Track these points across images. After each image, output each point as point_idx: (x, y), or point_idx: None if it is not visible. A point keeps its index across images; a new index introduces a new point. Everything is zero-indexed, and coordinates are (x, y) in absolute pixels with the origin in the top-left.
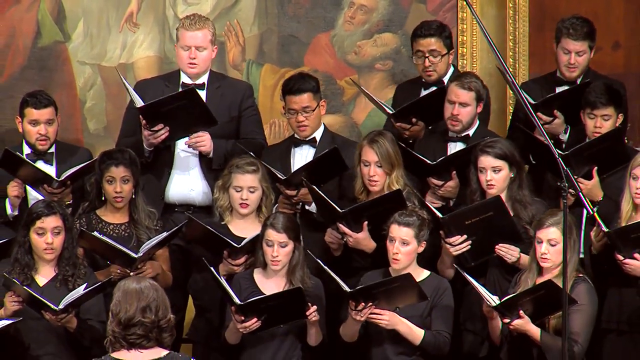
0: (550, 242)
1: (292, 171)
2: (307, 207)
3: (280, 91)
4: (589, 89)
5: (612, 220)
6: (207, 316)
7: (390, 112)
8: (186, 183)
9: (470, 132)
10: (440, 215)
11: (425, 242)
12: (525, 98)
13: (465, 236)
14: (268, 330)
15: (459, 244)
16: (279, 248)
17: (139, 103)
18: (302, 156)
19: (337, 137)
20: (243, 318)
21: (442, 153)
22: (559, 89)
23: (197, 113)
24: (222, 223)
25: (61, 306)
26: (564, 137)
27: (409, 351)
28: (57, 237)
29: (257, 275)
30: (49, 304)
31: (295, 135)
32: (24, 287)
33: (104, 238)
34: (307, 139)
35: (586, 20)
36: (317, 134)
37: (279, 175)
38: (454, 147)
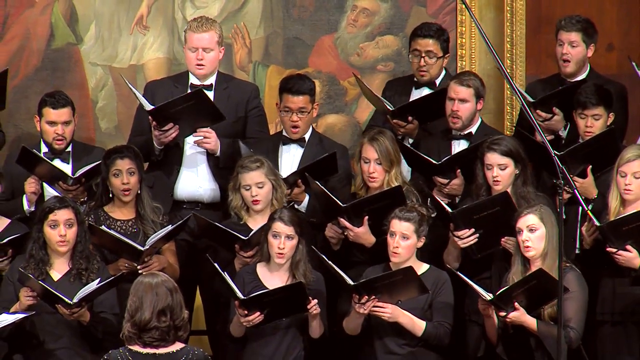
0: (528, 227)
1: (281, 169)
2: (296, 206)
3: (278, 88)
4: (579, 89)
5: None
6: (228, 311)
7: (390, 108)
8: (194, 180)
9: (473, 129)
10: (449, 210)
11: (424, 237)
12: (523, 97)
13: (472, 230)
14: (270, 323)
15: (466, 237)
16: (286, 240)
17: (148, 106)
18: (290, 155)
19: (324, 138)
20: (246, 312)
21: (446, 151)
22: None
23: (205, 111)
24: (242, 222)
25: (75, 300)
26: (564, 134)
27: (411, 343)
28: (70, 229)
29: (260, 270)
30: (63, 297)
31: (284, 133)
32: (39, 282)
33: (112, 231)
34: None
35: (585, 18)
36: (306, 134)
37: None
38: (458, 145)
